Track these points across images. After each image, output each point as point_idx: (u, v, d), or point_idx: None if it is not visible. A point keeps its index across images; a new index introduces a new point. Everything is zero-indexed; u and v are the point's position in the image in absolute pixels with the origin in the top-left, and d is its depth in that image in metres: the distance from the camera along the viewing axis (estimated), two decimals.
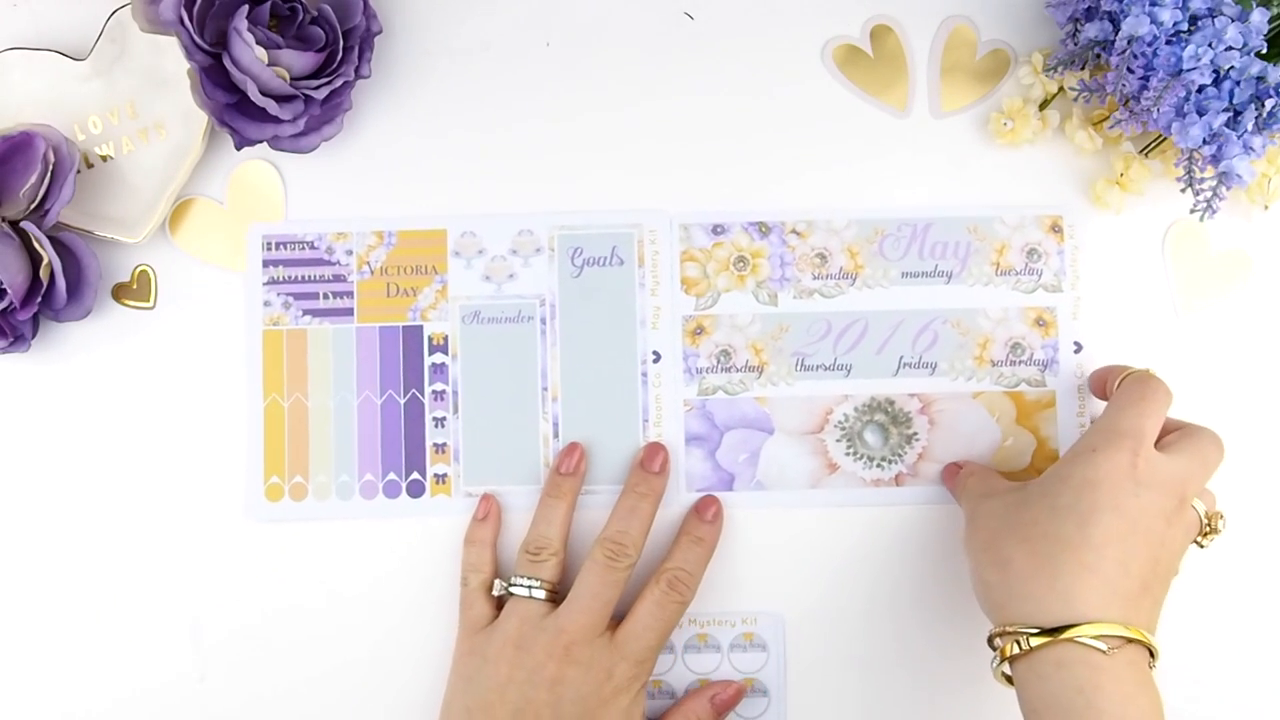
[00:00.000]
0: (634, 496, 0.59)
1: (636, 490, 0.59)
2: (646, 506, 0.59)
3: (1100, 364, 0.60)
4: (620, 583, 0.57)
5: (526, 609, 0.56)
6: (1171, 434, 0.55)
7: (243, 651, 0.60)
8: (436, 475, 0.61)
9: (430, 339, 0.61)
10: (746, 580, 0.61)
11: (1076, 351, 0.61)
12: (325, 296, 0.61)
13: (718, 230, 0.61)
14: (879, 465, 0.61)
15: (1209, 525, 0.54)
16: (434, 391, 0.61)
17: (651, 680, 0.60)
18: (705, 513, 0.60)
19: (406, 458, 0.61)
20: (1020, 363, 0.61)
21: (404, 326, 0.61)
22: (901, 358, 0.61)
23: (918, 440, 0.61)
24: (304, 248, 0.61)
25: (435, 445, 0.61)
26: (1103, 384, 0.58)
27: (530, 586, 0.57)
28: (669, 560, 0.58)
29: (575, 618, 0.56)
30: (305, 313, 0.61)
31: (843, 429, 0.61)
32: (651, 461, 0.60)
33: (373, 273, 0.61)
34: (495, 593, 0.58)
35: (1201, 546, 0.54)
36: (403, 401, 0.61)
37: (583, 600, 0.56)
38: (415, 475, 0.61)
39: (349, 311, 0.61)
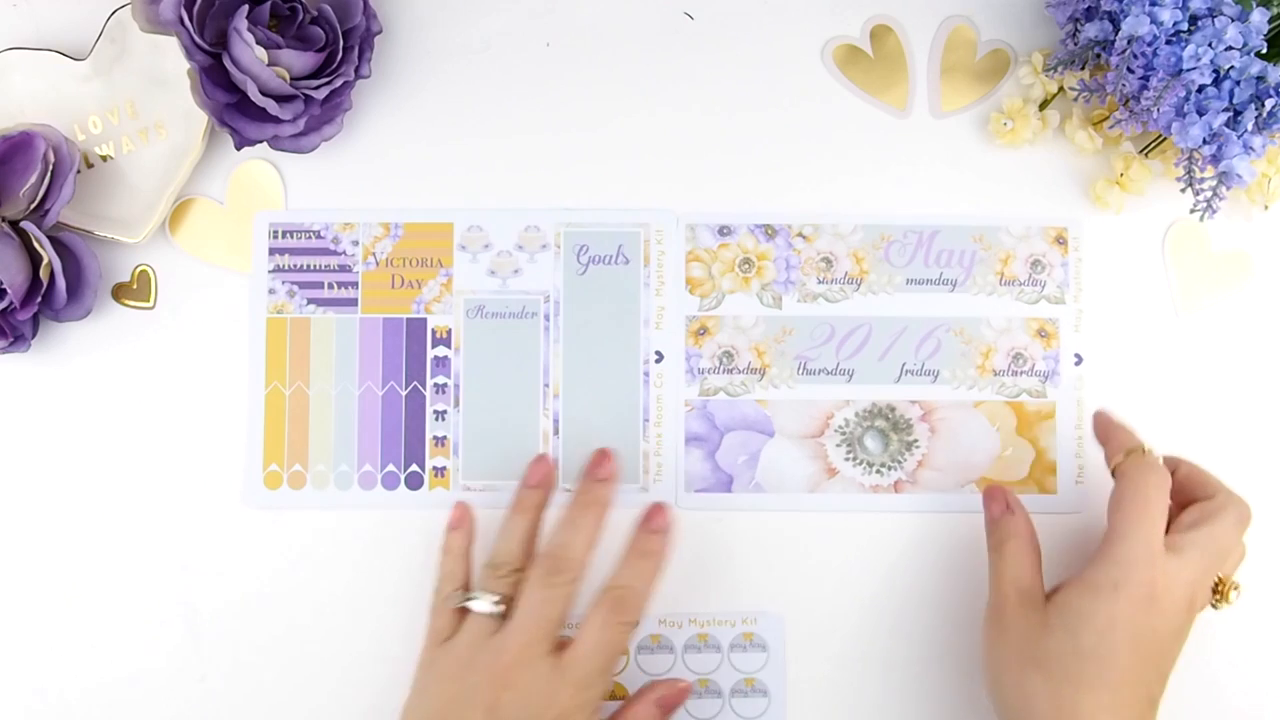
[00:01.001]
0: (576, 508, 0.55)
1: (579, 501, 0.55)
2: (590, 518, 0.55)
3: (1100, 375, 0.61)
4: (561, 600, 0.53)
5: (479, 626, 0.53)
6: (1191, 511, 0.54)
7: (237, 637, 0.60)
8: (435, 468, 0.61)
9: (434, 332, 0.61)
10: (746, 580, 0.60)
11: (1077, 364, 0.61)
12: (330, 286, 0.61)
13: (724, 232, 0.61)
14: (878, 471, 0.61)
15: (1221, 596, 0.55)
16: (435, 384, 0.61)
17: (649, 680, 0.59)
18: (652, 523, 0.55)
19: (406, 450, 0.61)
20: (1022, 373, 0.61)
21: (408, 319, 0.61)
22: (904, 364, 0.61)
23: (918, 447, 0.61)
24: (310, 236, 0.61)
25: (435, 438, 0.61)
26: (1103, 440, 0.57)
27: (486, 601, 0.54)
28: (614, 577, 0.54)
29: (514, 638, 0.52)
30: (309, 301, 0.61)
31: (843, 434, 0.61)
32: (598, 468, 0.57)
33: (378, 264, 0.61)
34: (452, 605, 0.55)
35: (1215, 608, 0.55)
36: (404, 393, 0.61)
37: (519, 620, 0.52)
38: (414, 467, 0.61)
39: (353, 302, 0.61)
